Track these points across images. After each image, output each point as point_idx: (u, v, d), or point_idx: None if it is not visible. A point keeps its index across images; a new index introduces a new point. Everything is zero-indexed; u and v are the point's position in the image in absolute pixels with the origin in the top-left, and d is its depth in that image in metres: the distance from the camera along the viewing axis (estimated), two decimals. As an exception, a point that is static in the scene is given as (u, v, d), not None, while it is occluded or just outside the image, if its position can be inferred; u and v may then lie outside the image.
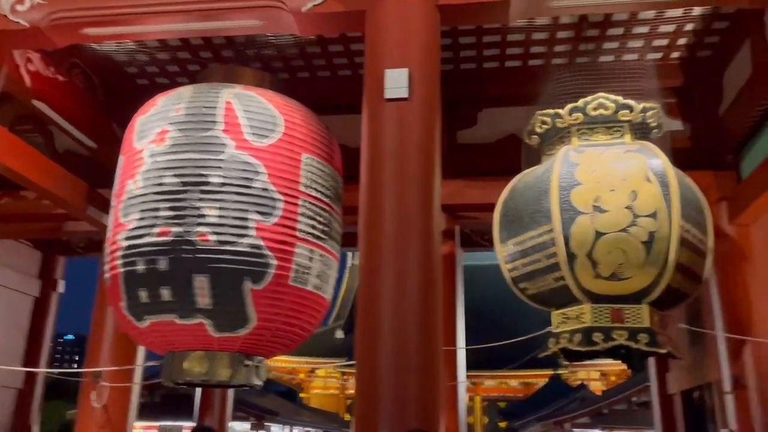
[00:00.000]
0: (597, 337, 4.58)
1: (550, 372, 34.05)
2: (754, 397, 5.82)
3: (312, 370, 33.84)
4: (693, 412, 7.67)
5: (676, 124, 6.79)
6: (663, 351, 4.57)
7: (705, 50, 6.41)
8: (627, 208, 4.56)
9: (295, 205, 4.64)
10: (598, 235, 4.54)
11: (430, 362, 3.50)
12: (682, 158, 6.56)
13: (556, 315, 4.94)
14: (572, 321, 4.77)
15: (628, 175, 4.68)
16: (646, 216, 4.53)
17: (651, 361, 8.69)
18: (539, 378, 35.15)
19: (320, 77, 7.02)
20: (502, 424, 36.34)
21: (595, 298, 4.66)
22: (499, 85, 6.97)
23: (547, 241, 4.71)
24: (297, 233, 4.60)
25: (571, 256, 4.58)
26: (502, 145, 6.98)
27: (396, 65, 4.05)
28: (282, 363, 31.02)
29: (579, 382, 30.88)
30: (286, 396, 27.81)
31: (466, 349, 7.28)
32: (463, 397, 7.07)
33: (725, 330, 6.13)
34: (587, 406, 19.75)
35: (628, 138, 5.02)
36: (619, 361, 5.25)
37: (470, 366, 7.50)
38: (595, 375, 33.68)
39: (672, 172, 4.68)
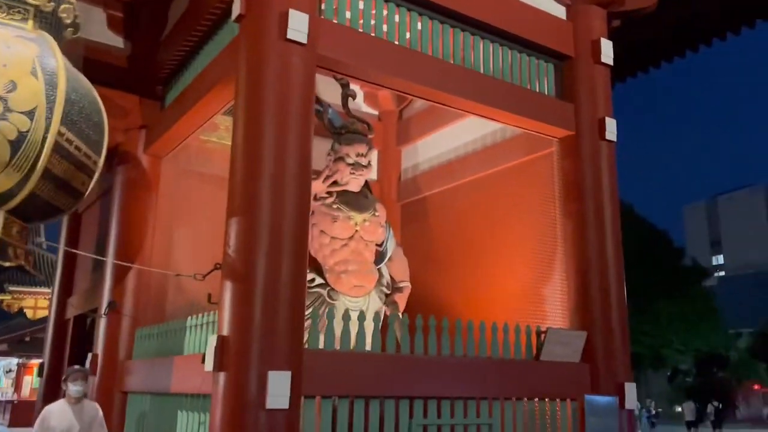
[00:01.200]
0: (-72, 240, 3.83)
1: (-15, 296, 30.59)
2: (126, 320, 5.97)
3: None
4: (81, 336, 7.56)
5: (117, 40, 6.47)
6: (11, 264, 4.12)
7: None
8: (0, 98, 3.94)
9: None
10: (-37, 120, 3.79)
11: None
12: (113, 75, 6.30)
13: None
14: None
15: (13, 62, 4.04)
16: (21, 113, 3.99)
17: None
18: (-32, 301, 31.26)
19: None
20: None
21: (-61, 195, 3.90)
22: None
23: None
24: None
25: None
26: None
27: None
28: None
29: (18, 309, 28.59)
30: None
31: None
32: None
33: (118, 257, 6.12)
34: (10, 333, 18.21)
35: (30, 25, 4.38)
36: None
37: None
38: (44, 303, 31.69)
39: (64, 75, 4.24)
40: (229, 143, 6.62)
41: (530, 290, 5.90)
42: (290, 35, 4.09)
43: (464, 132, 7.04)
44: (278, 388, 3.58)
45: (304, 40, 4.15)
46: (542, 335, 4.96)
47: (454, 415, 4.49)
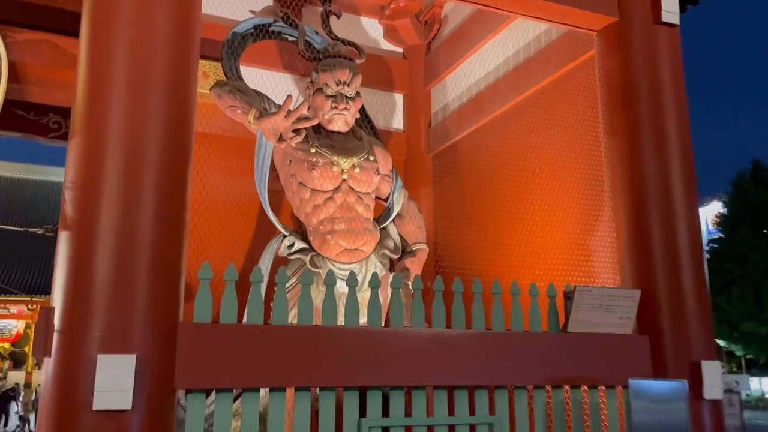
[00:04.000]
0: None
1: None
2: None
3: None
4: None
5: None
6: None
7: None
8: None
9: None
10: None
11: None
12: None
13: None
14: None
15: None
16: None
17: None
18: None
19: None
20: None
21: None
22: None
23: None
24: None
25: None
26: None
27: None
28: None
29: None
30: None
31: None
32: None
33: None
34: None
35: None
36: None
37: None
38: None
39: None
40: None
41: (576, 241, 4.39)
42: None
43: (492, 54, 5.58)
44: (113, 380, 2.43)
45: None
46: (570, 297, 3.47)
47: (432, 412, 3.15)
